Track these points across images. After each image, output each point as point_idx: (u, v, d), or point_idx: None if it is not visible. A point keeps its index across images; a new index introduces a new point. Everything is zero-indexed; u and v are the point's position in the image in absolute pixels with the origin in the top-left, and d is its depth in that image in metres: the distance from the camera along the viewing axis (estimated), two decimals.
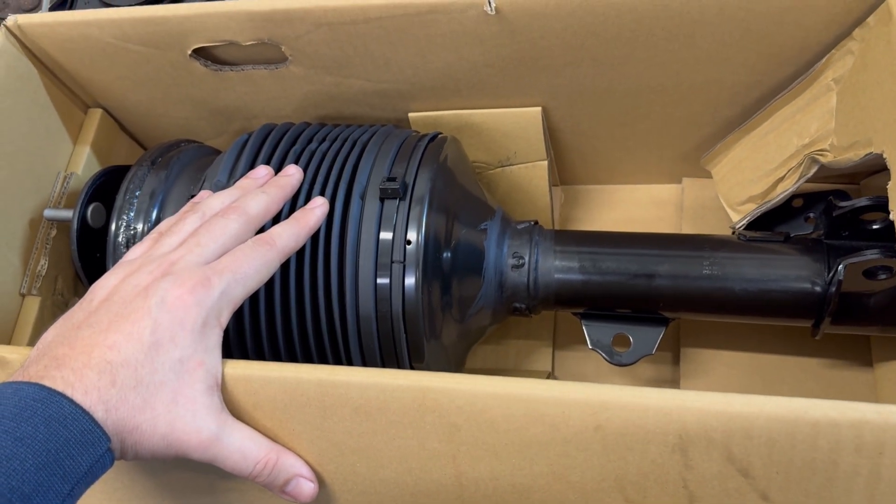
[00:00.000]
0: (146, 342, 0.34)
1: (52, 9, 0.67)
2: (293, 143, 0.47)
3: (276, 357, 0.44)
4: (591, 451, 0.32)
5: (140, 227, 0.47)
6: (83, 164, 0.55)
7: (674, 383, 0.53)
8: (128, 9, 0.48)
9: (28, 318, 0.51)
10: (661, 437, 0.31)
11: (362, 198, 0.43)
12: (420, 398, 0.33)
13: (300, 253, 0.42)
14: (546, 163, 0.53)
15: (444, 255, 0.43)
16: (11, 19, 0.50)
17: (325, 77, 0.50)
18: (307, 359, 0.44)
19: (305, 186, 0.44)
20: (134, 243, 0.46)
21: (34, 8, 0.68)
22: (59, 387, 0.32)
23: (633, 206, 0.59)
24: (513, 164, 0.54)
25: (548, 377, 0.55)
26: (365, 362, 0.43)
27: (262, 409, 0.36)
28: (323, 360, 0.44)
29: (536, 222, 0.49)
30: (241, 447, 0.35)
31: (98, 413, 0.32)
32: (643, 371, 0.54)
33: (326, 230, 0.42)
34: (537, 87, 0.49)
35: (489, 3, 0.42)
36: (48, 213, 0.52)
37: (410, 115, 0.53)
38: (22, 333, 0.50)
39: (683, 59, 0.45)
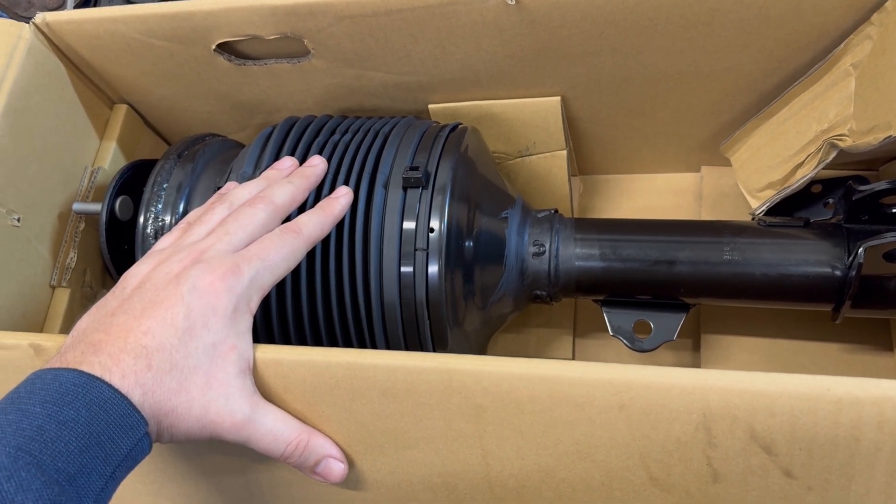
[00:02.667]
0: (180, 327, 0.35)
1: (77, 7, 0.68)
2: (316, 135, 0.48)
3: (301, 343, 0.44)
4: (616, 430, 0.33)
5: (168, 218, 0.48)
6: (110, 159, 0.56)
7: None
8: (153, 5, 0.49)
9: (58, 309, 0.52)
10: (684, 416, 0.32)
11: (385, 187, 0.43)
12: (446, 380, 0.34)
13: (325, 241, 0.43)
14: (565, 152, 0.53)
15: (467, 243, 0.44)
16: (39, 17, 0.51)
17: (347, 70, 0.51)
18: (332, 345, 0.44)
19: (329, 176, 0.45)
20: (162, 234, 0.47)
21: (59, 7, 0.69)
22: (97, 372, 0.33)
23: (652, 195, 0.60)
24: (532, 154, 0.54)
25: None
26: (389, 349, 0.44)
27: (293, 392, 0.36)
28: (348, 347, 0.45)
29: (556, 211, 0.49)
30: (273, 429, 0.36)
31: (135, 396, 0.33)
32: (664, 358, 0.54)
33: (351, 219, 0.43)
34: (556, 77, 0.50)
35: None
36: (77, 206, 0.53)
37: (430, 106, 0.54)
38: (53, 324, 0.52)
39: (702, 46, 0.46)
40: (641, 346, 0.48)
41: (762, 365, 0.52)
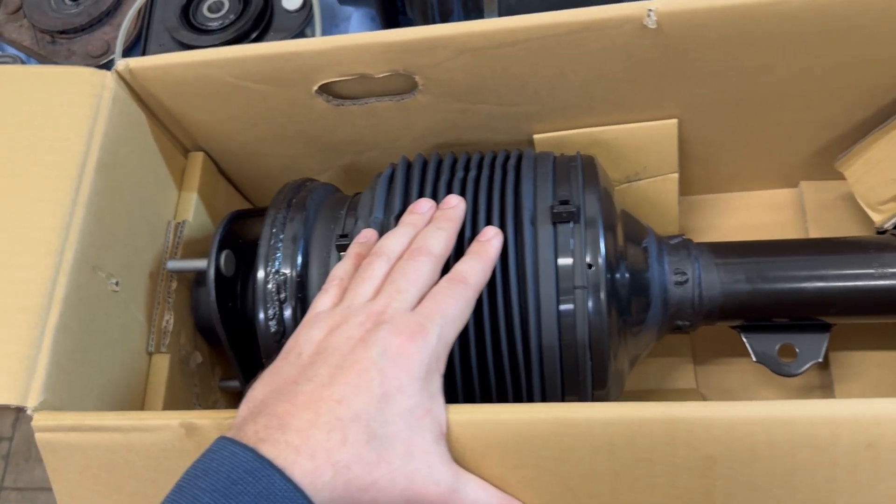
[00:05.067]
0: (376, 394, 0.32)
1: (126, 54, 0.65)
2: (439, 174, 0.45)
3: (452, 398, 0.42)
4: (861, 471, 0.31)
5: (288, 272, 0.44)
6: (192, 211, 0.53)
7: (824, 388, 0.52)
8: (252, 45, 0.46)
9: (159, 377, 0.48)
10: None
11: (533, 223, 0.41)
12: (671, 430, 0.32)
13: None
14: (677, 175, 0.52)
15: (619, 277, 0.42)
16: (122, 63, 0.47)
17: (453, 104, 0.49)
18: (485, 398, 0.42)
19: (469, 216, 0.42)
20: (284, 289, 0.44)
21: (103, 54, 0.65)
22: (283, 452, 0.30)
23: (751, 211, 0.58)
24: (641, 179, 0.53)
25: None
26: (545, 396, 0.42)
27: (491, 455, 0.34)
28: (502, 398, 0.42)
29: (684, 236, 0.48)
30: (477, 498, 0.33)
31: (324, 477, 0.30)
32: (792, 380, 0.53)
33: (503, 260, 0.41)
34: (675, 99, 0.48)
35: (650, 16, 0.41)
36: (172, 265, 0.49)
37: (536, 136, 0.51)
38: (155, 396, 0.47)
39: (833, 62, 0.45)
40: (789, 371, 0.46)
41: (894, 379, 0.51)
